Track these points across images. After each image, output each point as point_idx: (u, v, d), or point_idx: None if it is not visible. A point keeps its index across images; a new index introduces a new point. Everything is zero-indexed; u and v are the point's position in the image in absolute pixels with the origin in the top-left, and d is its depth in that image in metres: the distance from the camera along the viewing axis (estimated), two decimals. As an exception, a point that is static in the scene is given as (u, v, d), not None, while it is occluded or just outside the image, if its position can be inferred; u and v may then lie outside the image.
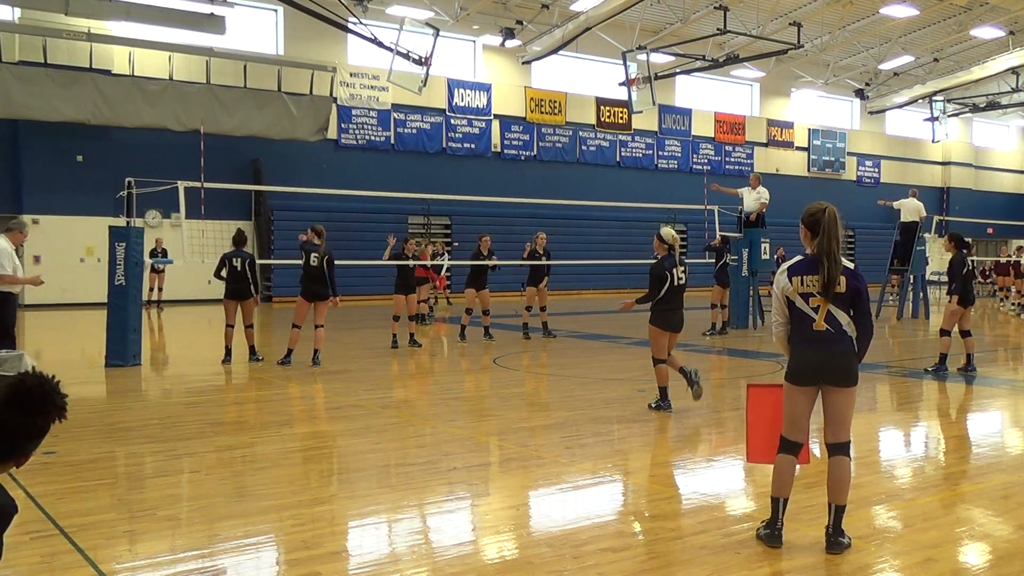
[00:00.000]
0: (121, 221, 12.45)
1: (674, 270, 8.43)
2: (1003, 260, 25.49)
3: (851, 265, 4.62)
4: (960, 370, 11.05)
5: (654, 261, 8.62)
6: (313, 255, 11.52)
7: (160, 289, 21.79)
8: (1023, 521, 5.09)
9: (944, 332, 11.13)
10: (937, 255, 30.60)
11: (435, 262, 23.29)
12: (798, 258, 4.69)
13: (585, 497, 5.63)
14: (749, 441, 4.92)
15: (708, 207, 17.70)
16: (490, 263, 14.86)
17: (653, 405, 8.56)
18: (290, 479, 6.02)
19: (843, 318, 4.55)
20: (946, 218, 34.60)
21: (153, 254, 20.52)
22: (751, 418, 4.90)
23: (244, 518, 5.05)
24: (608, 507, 5.48)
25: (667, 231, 8.64)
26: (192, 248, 14.15)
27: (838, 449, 4.57)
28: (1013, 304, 23.74)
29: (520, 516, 5.28)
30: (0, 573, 3.94)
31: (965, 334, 11.11)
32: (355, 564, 4.39)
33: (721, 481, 5.98)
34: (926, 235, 21.46)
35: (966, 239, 11.72)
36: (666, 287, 8.35)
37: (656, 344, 8.58)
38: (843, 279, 4.52)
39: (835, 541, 4.47)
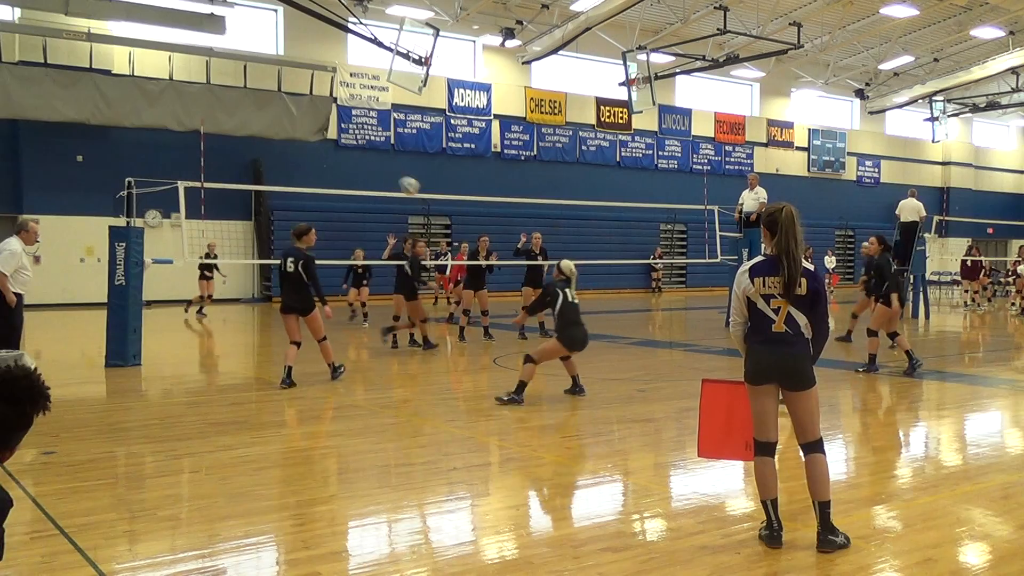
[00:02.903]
0: (121, 221, 12.45)
1: (567, 290, 9.09)
2: (1010, 262, 25.35)
3: (811, 267, 4.59)
4: (862, 369, 11.07)
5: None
6: (289, 260, 9.94)
7: (210, 296, 20.62)
8: (1023, 521, 5.10)
9: (873, 333, 11.18)
10: (937, 255, 30.60)
11: (439, 262, 23.30)
12: (759, 259, 4.64)
13: (585, 497, 5.63)
14: (701, 435, 4.94)
15: (708, 207, 17.71)
16: (486, 263, 14.88)
17: (504, 398, 8.73)
18: (290, 479, 6.02)
19: (802, 320, 4.54)
20: (946, 218, 34.64)
21: (208, 256, 19.81)
22: (704, 413, 4.91)
23: (244, 518, 5.05)
24: (608, 507, 5.48)
25: (566, 264, 9.32)
26: (192, 248, 14.16)
27: (811, 447, 4.58)
28: (1012, 304, 23.76)
29: (520, 516, 5.28)
30: (0, 573, 3.94)
31: (872, 333, 11.22)
32: (355, 564, 4.39)
33: (721, 481, 5.98)
34: (926, 235, 21.46)
35: (889, 242, 11.89)
36: (560, 302, 8.94)
37: (546, 354, 8.97)
38: (803, 281, 4.49)
39: (825, 539, 4.46)
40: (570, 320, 8.97)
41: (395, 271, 14.27)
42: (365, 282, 18.49)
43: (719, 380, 5.03)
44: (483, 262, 14.91)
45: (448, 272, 23.64)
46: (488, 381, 11.06)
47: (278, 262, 11.71)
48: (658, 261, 30.80)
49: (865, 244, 12.14)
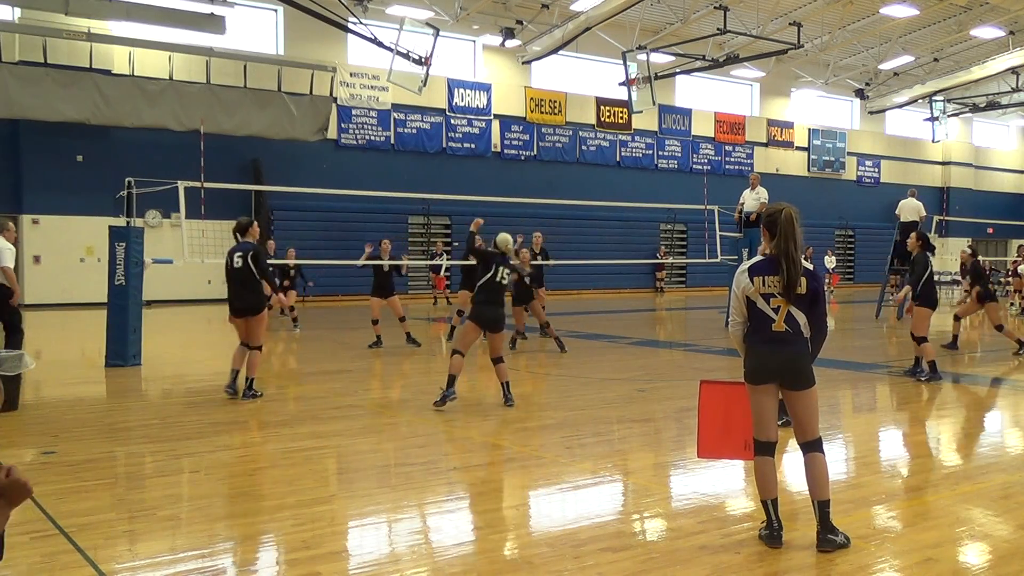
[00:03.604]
0: (121, 221, 12.45)
1: (502, 268, 8.70)
2: (1010, 261, 25.37)
3: (810, 266, 4.60)
4: (924, 378, 10.35)
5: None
6: (237, 255, 8.98)
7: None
8: (1023, 521, 5.10)
9: (922, 339, 10.46)
10: (937, 255, 30.60)
11: (433, 262, 23.37)
12: (758, 258, 4.66)
13: (585, 497, 5.63)
14: (700, 436, 4.96)
15: (708, 207, 17.70)
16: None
17: (439, 400, 8.41)
18: (290, 479, 6.02)
19: (802, 319, 4.55)
20: (946, 218, 34.65)
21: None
22: (702, 414, 4.93)
23: (244, 518, 5.05)
24: (608, 507, 5.48)
25: (502, 238, 9.02)
26: (192, 248, 14.15)
27: (810, 447, 4.59)
28: (1012, 304, 23.77)
29: (520, 516, 5.28)
30: (0, 573, 3.94)
31: (922, 340, 10.45)
32: (355, 564, 4.39)
33: (721, 481, 5.98)
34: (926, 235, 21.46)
35: (932, 241, 11.09)
36: (490, 275, 8.61)
37: (464, 339, 8.62)
38: (803, 280, 4.51)
39: (825, 538, 4.47)
40: (488, 299, 8.60)
41: (372, 272, 14.26)
42: (288, 283, 17.08)
43: (717, 381, 5.04)
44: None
45: (442, 272, 23.67)
46: (488, 381, 11.05)
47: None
48: (666, 260, 30.81)
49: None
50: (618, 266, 28.99)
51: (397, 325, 14.00)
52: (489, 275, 8.63)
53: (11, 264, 9.52)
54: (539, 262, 15.26)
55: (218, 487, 5.83)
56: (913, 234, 11.17)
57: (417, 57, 22.02)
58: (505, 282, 8.76)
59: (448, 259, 23.94)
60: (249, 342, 9.06)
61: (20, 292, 9.52)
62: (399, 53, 21.83)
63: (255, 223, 9.32)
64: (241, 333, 9.11)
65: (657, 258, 31.07)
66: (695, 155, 33.93)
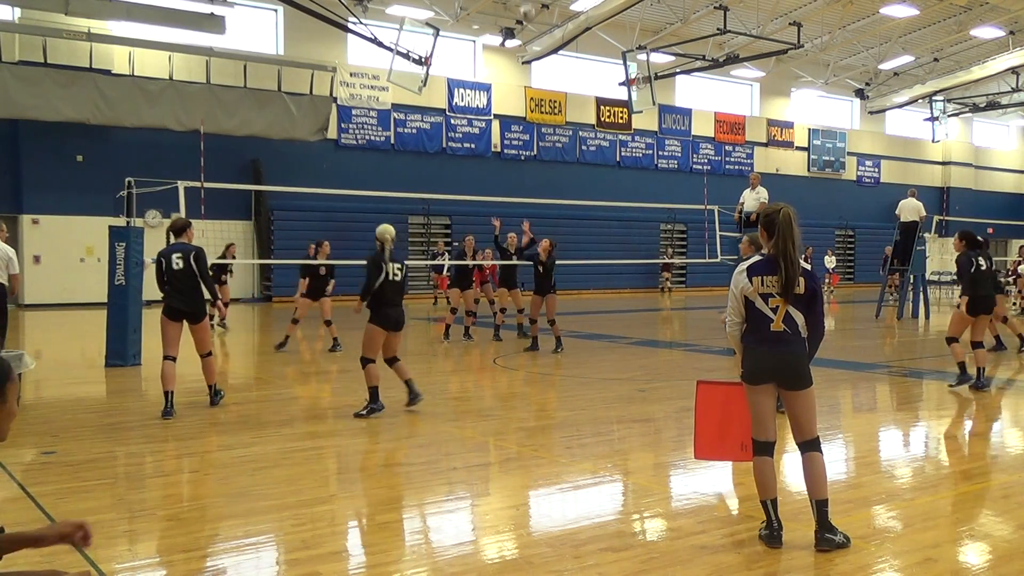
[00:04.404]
0: (121, 221, 12.46)
1: (389, 264, 8.14)
2: (1010, 262, 25.31)
3: (808, 266, 4.60)
4: (972, 387, 9.89)
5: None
6: (176, 256, 8.28)
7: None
8: (1023, 521, 5.09)
9: (951, 340, 10.08)
10: (937, 255, 30.63)
11: (436, 262, 23.35)
12: (757, 258, 4.65)
13: (585, 497, 5.63)
14: (697, 437, 4.96)
15: (708, 207, 17.69)
16: (473, 263, 14.92)
17: (364, 412, 8.06)
18: (290, 479, 6.01)
19: (800, 319, 4.56)
20: (946, 218, 34.65)
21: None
22: (699, 415, 4.94)
23: (244, 518, 5.04)
24: (608, 507, 5.48)
25: (381, 229, 8.31)
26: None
27: (808, 446, 4.59)
28: (1013, 304, 23.75)
29: (520, 516, 5.28)
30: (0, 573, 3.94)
31: (976, 345, 9.90)
32: (355, 564, 4.39)
33: (721, 481, 5.98)
34: (926, 235, 21.48)
35: (979, 238, 10.34)
36: (381, 278, 8.10)
37: (371, 344, 8.20)
38: (802, 280, 4.51)
39: (823, 538, 4.46)
40: (387, 300, 8.12)
41: (306, 273, 14.24)
42: (224, 279, 16.99)
43: (714, 381, 5.04)
44: (470, 262, 14.96)
45: (444, 271, 23.59)
46: (488, 381, 11.05)
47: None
48: (672, 260, 30.79)
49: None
50: (618, 266, 28.98)
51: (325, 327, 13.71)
52: (383, 277, 8.11)
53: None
54: (515, 262, 15.11)
55: (218, 487, 5.83)
56: (957, 233, 10.38)
57: (417, 57, 22.03)
58: (399, 278, 8.22)
59: (448, 259, 23.93)
60: (198, 350, 8.57)
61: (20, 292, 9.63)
62: (399, 53, 21.84)
63: (191, 225, 8.67)
64: (173, 342, 8.35)
65: (662, 258, 31.08)
66: (695, 155, 33.92)
